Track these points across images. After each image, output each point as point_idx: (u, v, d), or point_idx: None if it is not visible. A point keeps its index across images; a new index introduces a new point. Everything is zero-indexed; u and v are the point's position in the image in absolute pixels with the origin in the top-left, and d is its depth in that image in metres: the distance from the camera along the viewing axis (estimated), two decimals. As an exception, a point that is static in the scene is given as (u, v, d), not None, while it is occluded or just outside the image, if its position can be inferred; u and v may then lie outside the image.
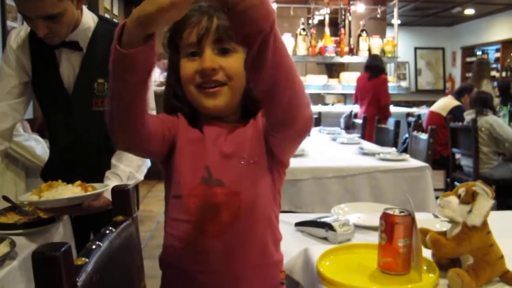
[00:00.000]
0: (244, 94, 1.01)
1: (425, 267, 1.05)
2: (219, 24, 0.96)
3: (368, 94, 5.36)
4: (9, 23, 3.47)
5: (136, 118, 0.88)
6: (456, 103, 4.86)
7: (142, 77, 0.82)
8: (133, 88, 0.83)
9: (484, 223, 1.01)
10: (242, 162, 0.98)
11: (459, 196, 1.04)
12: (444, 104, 4.93)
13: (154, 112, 1.72)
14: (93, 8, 1.56)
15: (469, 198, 1.01)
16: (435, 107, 5.00)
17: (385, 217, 1.05)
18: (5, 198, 1.59)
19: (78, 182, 1.40)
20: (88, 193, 1.36)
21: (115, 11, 6.96)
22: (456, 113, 4.60)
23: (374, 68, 5.41)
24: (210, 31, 0.96)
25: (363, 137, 4.15)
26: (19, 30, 1.65)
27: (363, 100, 5.44)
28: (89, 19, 1.62)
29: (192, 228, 0.97)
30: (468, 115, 4.04)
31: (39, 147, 2.05)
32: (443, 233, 1.06)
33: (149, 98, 1.66)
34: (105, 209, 1.46)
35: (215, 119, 1.03)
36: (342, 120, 5.47)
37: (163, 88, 1.10)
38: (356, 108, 5.69)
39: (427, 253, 1.06)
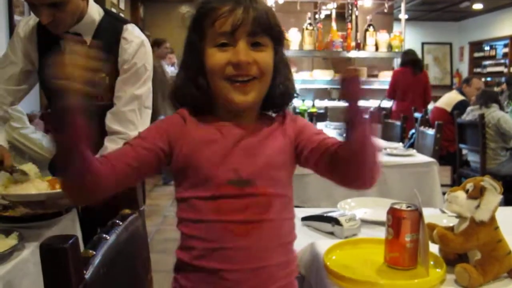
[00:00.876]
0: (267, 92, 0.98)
1: (432, 262, 1.04)
2: (255, 16, 0.92)
3: (415, 89, 5.24)
4: (16, 17, 3.48)
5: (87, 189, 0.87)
6: (460, 97, 4.82)
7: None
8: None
9: (492, 219, 1.01)
10: (268, 164, 0.96)
11: (467, 191, 1.03)
12: (449, 99, 4.89)
13: (149, 111, 1.69)
14: (100, 2, 1.56)
15: (477, 193, 1.01)
16: (440, 102, 4.96)
17: (392, 211, 1.05)
18: (12, 191, 1.60)
19: (49, 177, 1.43)
20: (50, 191, 1.38)
21: (122, 6, 6.96)
22: (461, 108, 4.56)
23: (417, 62, 5.29)
24: (245, 23, 0.92)
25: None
26: (28, 19, 1.67)
27: (406, 95, 5.28)
28: (94, 12, 1.62)
29: (218, 228, 0.94)
30: (473, 111, 4.02)
31: (46, 140, 2.05)
32: (451, 228, 1.06)
33: (143, 95, 1.64)
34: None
35: (234, 116, 0.98)
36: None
37: None
38: (386, 103, 5.58)
39: (434, 248, 1.06)
